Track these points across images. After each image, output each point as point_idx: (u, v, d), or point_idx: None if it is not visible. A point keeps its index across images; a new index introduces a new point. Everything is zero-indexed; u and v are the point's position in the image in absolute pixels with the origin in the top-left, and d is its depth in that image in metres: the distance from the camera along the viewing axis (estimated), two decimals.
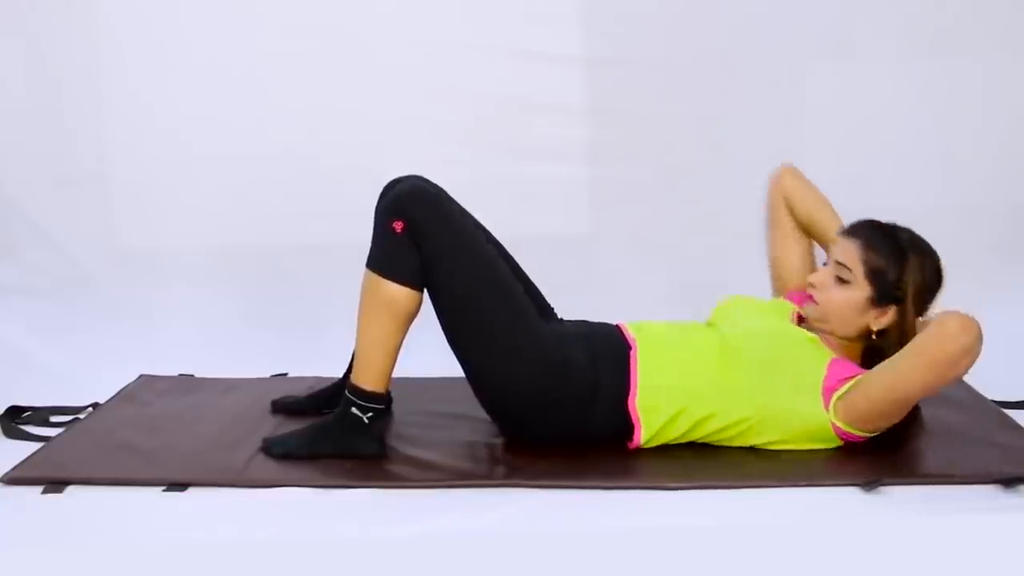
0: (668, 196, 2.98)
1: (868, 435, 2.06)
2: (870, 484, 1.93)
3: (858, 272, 2.06)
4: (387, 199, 2.13)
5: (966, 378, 2.51)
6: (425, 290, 2.11)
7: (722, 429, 2.09)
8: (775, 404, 2.05)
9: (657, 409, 2.09)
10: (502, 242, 2.28)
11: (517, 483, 1.99)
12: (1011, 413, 2.33)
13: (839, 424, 2.03)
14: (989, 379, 2.50)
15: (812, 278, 2.14)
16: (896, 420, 2.04)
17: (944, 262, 2.11)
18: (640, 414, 2.09)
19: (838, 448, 2.10)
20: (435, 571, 1.72)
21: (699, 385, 2.08)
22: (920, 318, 2.08)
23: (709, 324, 2.26)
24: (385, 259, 2.08)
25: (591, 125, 2.98)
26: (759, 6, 2.93)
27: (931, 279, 2.08)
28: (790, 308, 2.26)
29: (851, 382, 2.02)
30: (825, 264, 2.17)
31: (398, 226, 2.07)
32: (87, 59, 2.91)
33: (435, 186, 2.15)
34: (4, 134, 2.92)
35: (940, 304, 2.09)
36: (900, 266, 2.06)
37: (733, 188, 3.00)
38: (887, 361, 1.99)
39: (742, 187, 2.99)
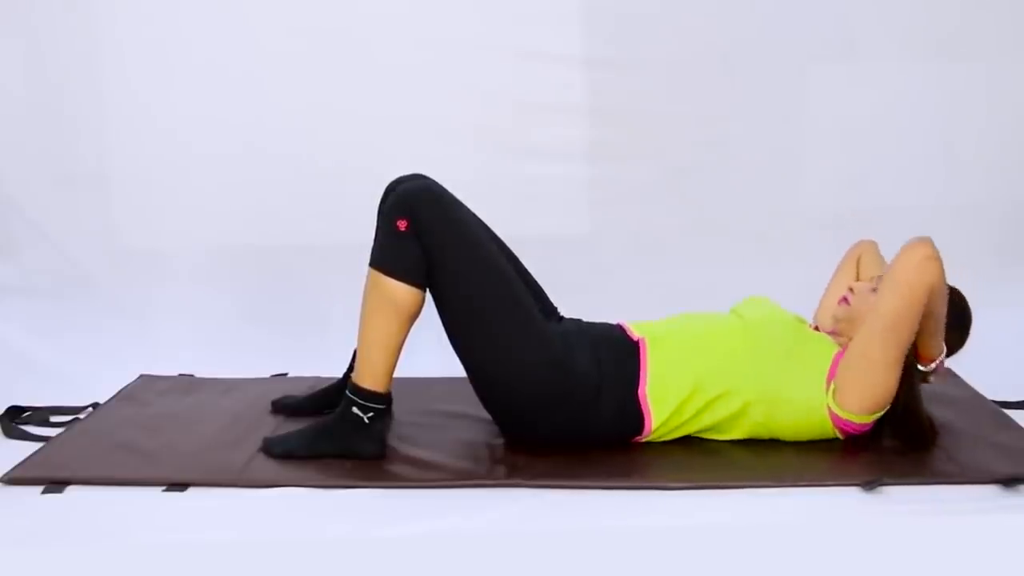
0: (668, 196, 2.98)
1: (862, 420, 2.06)
2: (870, 484, 1.93)
3: None
4: (391, 198, 2.13)
5: (966, 378, 2.53)
6: (427, 289, 2.11)
7: (728, 416, 2.11)
8: (775, 388, 2.08)
9: (666, 397, 2.10)
10: (504, 242, 2.28)
11: (517, 483, 1.99)
12: (1011, 413, 2.33)
13: (835, 408, 2.05)
14: (989, 379, 2.51)
15: (853, 284, 2.21)
16: (883, 390, 2.02)
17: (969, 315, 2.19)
18: (651, 403, 2.10)
19: (838, 448, 2.11)
20: (435, 571, 1.72)
21: (710, 364, 2.11)
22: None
23: (732, 311, 2.29)
24: (388, 257, 2.08)
25: (591, 125, 2.98)
26: (760, 6, 2.93)
27: (953, 315, 2.10)
28: (808, 321, 2.28)
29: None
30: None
31: (402, 224, 2.07)
32: (87, 59, 2.91)
33: (439, 185, 2.15)
34: (4, 134, 2.92)
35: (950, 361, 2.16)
36: None
37: (733, 188, 3.00)
38: None
39: (742, 187, 3.00)
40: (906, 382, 2.07)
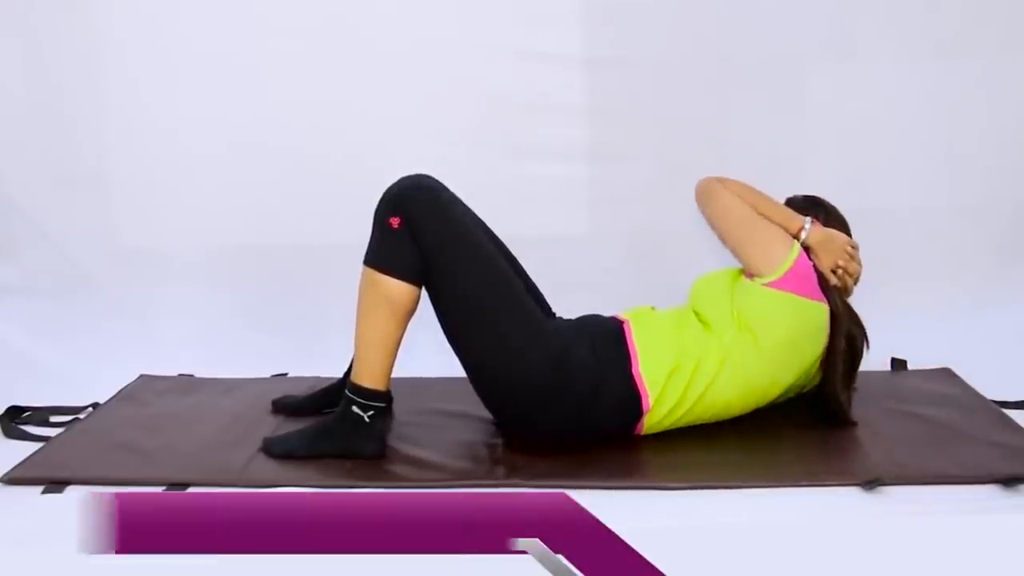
0: (668, 196, 2.98)
1: (787, 262, 2.13)
2: (870, 484, 1.93)
3: None
4: (384, 195, 2.13)
5: (966, 378, 2.54)
6: (424, 287, 2.11)
7: (709, 383, 2.13)
8: (734, 330, 2.13)
9: (658, 368, 2.12)
10: (502, 242, 2.28)
11: (517, 483, 1.99)
12: (1011, 413, 2.33)
13: (768, 279, 2.12)
14: (989, 379, 2.51)
15: None
16: (769, 239, 2.18)
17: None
18: (645, 380, 2.11)
19: (838, 448, 2.12)
20: (435, 571, 1.72)
21: (677, 343, 2.14)
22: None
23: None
24: (382, 255, 2.08)
25: (591, 125, 2.97)
26: (760, 6, 2.93)
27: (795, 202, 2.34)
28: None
29: None
30: None
31: (394, 222, 2.07)
32: (87, 59, 2.91)
33: (436, 182, 2.15)
34: (4, 134, 2.92)
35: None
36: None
37: None
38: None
39: None
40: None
